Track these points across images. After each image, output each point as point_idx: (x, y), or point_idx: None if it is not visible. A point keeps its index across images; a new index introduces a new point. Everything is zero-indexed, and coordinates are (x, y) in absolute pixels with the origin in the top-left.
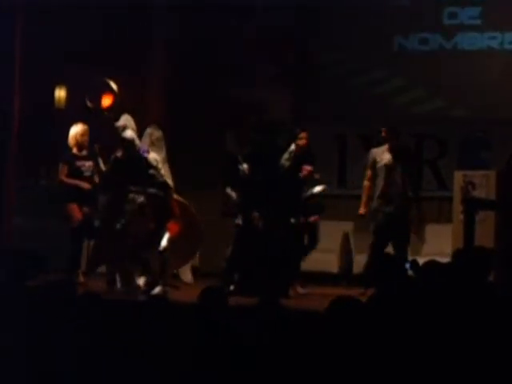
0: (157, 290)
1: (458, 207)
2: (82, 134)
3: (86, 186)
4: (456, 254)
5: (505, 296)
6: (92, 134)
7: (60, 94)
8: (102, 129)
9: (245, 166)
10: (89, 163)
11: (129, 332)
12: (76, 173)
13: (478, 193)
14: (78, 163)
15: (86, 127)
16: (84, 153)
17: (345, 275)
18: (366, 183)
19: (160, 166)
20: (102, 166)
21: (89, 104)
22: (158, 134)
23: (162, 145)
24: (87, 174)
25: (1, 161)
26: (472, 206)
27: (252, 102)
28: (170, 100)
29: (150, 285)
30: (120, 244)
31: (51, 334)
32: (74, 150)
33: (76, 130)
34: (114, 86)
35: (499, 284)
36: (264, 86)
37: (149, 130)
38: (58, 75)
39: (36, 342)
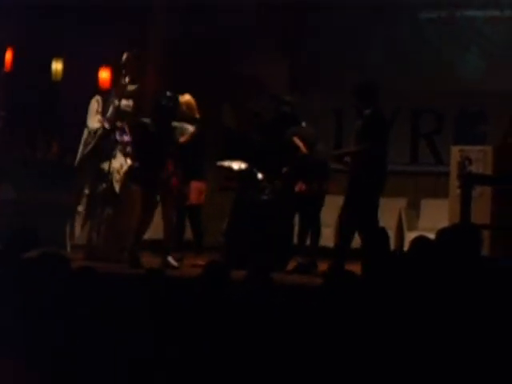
0: None
1: (454, 182)
2: None
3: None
4: (440, 233)
5: (501, 270)
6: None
7: (57, 66)
8: None
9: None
10: None
11: (126, 305)
12: None
13: (475, 168)
14: None
15: None
16: None
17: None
18: None
19: None
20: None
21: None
22: None
23: None
24: None
25: None
26: (469, 181)
27: (250, 76)
28: (169, 73)
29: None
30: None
31: (44, 307)
32: None
33: None
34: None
35: (495, 259)
36: (262, 59)
37: None
38: (55, 48)
39: (28, 316)
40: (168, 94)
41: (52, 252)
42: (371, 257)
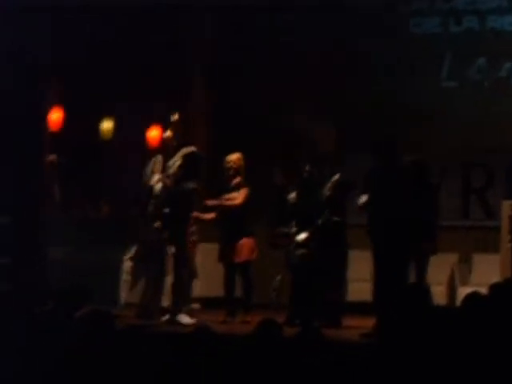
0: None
1: (505, 236)
2: None
3: None
4: (493, 288)
5: None
6: None
7: (105, 126)
8: None
9: (293, 195)
10: None
11: (172, 365)
12: None
13: None
14: None
15: None
16: None
17: None
18: None
19: None
20: None
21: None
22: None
23: None
24: None
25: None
26: None
27: (299, 137)
28: (218, 134)
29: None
30: None
31: (90, 366)
32: None
33: None
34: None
35: None
36: (310, 120)
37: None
38: (103, 108)
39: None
40: (195, 152)
41: (100, 310)
42: (406, 312)
